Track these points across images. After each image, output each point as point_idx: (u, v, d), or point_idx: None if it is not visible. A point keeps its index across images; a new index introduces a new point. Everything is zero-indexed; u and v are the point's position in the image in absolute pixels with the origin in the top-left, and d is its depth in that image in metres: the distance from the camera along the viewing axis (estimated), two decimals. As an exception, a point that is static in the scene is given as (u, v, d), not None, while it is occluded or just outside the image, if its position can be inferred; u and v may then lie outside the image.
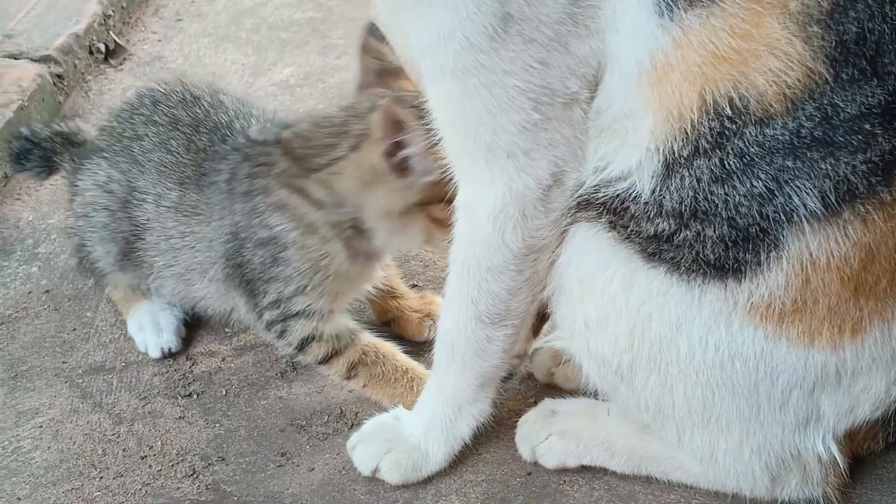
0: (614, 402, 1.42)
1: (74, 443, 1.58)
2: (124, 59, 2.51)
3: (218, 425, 1.60)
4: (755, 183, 1.18)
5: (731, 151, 1.18)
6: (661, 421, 1.36)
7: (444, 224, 1.43)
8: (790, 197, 1.18)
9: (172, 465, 1.54)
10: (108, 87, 2.41)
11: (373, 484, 1.49)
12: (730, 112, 1.17)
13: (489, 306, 1.36)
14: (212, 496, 1.49)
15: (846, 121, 1.16)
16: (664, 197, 1.22)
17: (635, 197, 1.23)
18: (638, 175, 1.23)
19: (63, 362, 1.72)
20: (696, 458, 1.38)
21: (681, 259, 1.24)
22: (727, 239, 1.21)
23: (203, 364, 1.71)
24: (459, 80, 1.21)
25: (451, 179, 1.34)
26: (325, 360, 1.58)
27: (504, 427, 1.54)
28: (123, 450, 1.57)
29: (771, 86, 1.15)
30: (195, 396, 1.65)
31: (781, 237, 1.19)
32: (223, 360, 1.72)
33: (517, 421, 1.53)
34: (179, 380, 1.68)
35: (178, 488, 1.51)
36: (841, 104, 1.16)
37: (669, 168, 1.20)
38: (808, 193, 1.17)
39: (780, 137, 1.17)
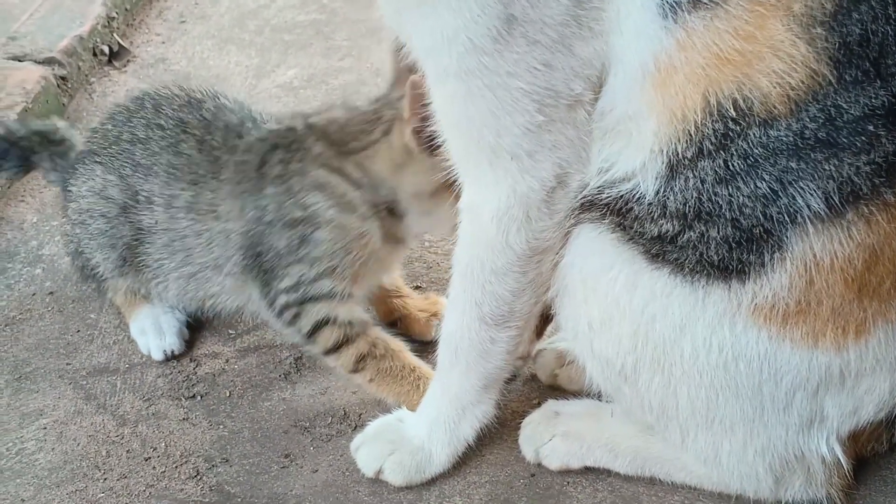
0: (618, 403, 1.42)
1: (78, 444, 1.58)
2: (128, 61, 2.52)
3: (221, 427, 1.60)
4: (759, 184, 1.18)
5: (734, 153, 1.18)
6: (664, 422, 1.36)
7: None
8: (794, 198, 1.18)
9: (176, 467, 1.54)
10: (111, 89, 2.41)
11: (376, 485, 1.49)
12: (734, 113, 1.17)
13: (493, 308, 1.36)
14: (215, 497, 1.49)
15: (850, 122, 1.16)
16: (668, 198, 1.22)
17: (639, 198, 1.24)
18: (642, 176, 1.23)
19: (67, 364, 1.72)
20: (699, 459, 1.38)
21: (685, 260, 1.24)
22: (731, 240, 1.21)
23: (207, 366, 1.71)
24: (463, 82, 1.21)
25: (455, 181, 1.34)
26: (335, 348, 1.58)
27: (508, 428, 1.54)
28: (127, 451, 1.57)
29: (775, 87, 1.15)
30: (199, 398, 1.65)
31: (785, 238, 1.19)
32: (227, 361, 1.72)
33: (521, 422, 1.53)
34: (183, 381, 1.68)
35: (182, 490, 1.51)
36: (844, 106, 1.16)
37: (673, 169, 1.21)
38: (811, 194, 1.17)
39: (784, 139, 1.17)
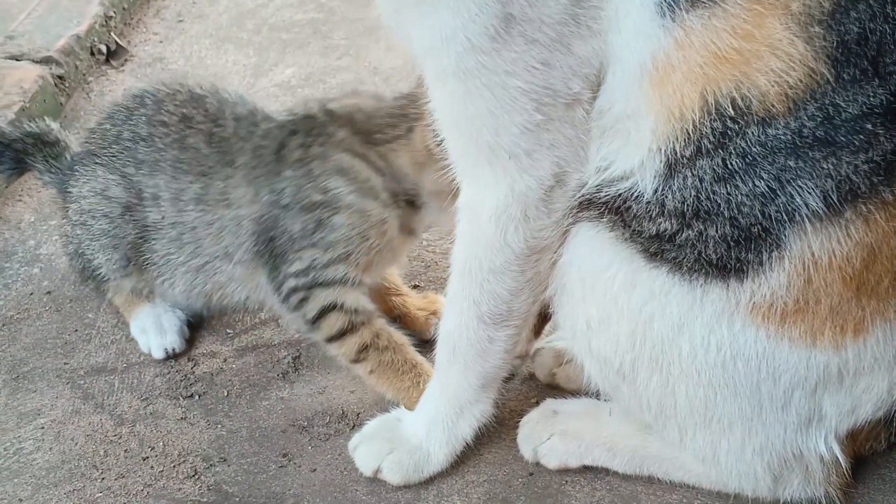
0: (616, 402, 1.42)
1: (76, 444, 1.58)
2: (126, 60, 2.51)
3: (219, 426, 1.60)
4: (757, 183, 1.18)
5: (733, 151, 1.18)
6: (663, 421, 1.36)
7: None
8: (792, 197, 1.18)
9: (174, 466, 1.54)
10: (109, 89, 2.41)
11: (374, 485, 1.49)
12: (732, 112, 1.17)
13: (491, 307, 1.36)
14: (213, 497, 1.49)
15: (848, 121, 1.16)
16: (666, 197, 1.22)
17: (637, 197, 1.24)
18: (640, 175, 1.23)
19: (65, 363, 1.72)
20: (698, 458, 1.38)
21: (683, 259, 1.24)
22: (729, 239, 1.21)
23: (204, 365, 1.71)
24: (461, 82, 1.21)
25: (454, 180, 1.34)
26: (339, 335, 1.58)
27: (506, 427, 1.54)
28: (125, 451, 1.57)
29: (773, 86, 1.15)
30: (197, 397, 1.65)
31: (783, 237, 1.19)
32: (224, 360, 1.72)
33: (519, 421, 1.53)
34: (181, 381, 1.68)
35: (180, 489, 1.51)
36: (843, 104, 1.16)
37: (672, 168, 1.21)
38: (810, 193, 1.17)
39: (783, 137, 1.17)
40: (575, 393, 1.55)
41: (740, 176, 1.19)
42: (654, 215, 1.23)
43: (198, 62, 2.50)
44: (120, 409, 1.64)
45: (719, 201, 1.20)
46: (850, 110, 1.16)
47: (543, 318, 1.52)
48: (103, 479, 1.53)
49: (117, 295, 1.76)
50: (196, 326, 1.77)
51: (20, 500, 1.50)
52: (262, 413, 1.62)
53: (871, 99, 1.16)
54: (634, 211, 1.24)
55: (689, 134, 1.18)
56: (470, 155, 1.29)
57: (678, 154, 1.20)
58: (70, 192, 1.73)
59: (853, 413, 1.31)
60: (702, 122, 1.18)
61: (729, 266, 1.22)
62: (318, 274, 1.57)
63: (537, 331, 1.61)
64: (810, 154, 1.17)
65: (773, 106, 1.16)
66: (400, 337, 1.60)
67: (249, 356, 1.72)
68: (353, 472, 1.51)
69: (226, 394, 1.66)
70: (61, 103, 2.31)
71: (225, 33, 2.61)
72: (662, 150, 1.20)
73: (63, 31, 2.42)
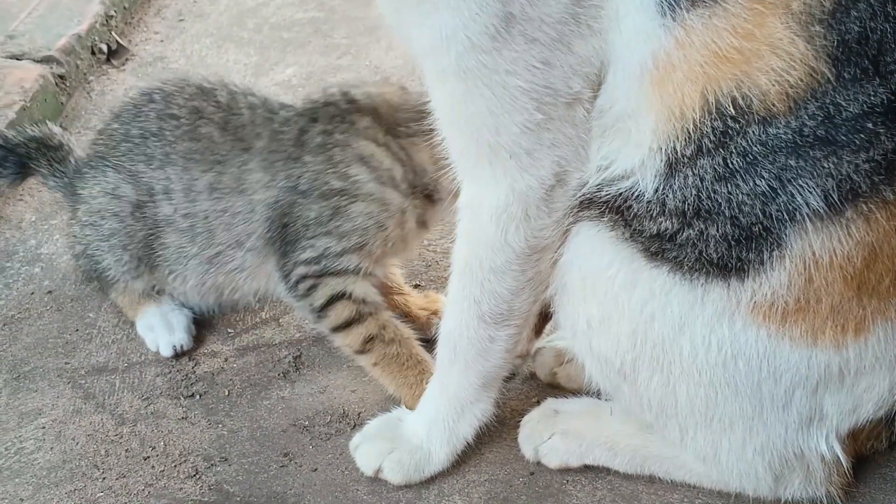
0: (617, 401, 1.42)
1: (77, 444, 1.58)
2: (126, 59, 2.51)
3: (220, 426, 1.60)
4: (758, 182, 1.18)
5: (734, 150, 1.18)
6: (663, 420, 1.36)
7: None
8: (793, 196, 1.18)
9: (175, 466, 1.54)
10: (110, 88, 2.41)
11: (375, 484, 1.49)
12: (732, 111, 1.17)
13: (492, 306, 1.36)
14: (214, 497, 1.49)
15: (848, 120, 1.16)
16: (667, 196, 1.22)
17: (638, 196, 1.24)
18: (641, 174, 1.23)
19: (66, 363, 1.72)
20: (699, 457, 1.38)
21: (683, 258, 1.24)
22: (730, 238, 1.21)
23: (205, 364, 1.71)
24: (462, 81, 1.21)
25: (455, 179, 1.34)
26: (346, 325, 1.58)
27: (507, 427, 1.54)
28: (126, 450, 1.57)
29: (773, 85, 1.15)
30: (198, 397, 1.65)
31: (784, 236, 1.19)
32: (226, 360, 1.72)
33: (520, 421, 1.53)
34: (182, 380, 1.68)
35: (181, 489, 1.51)
36: (843, 103, 1.16)
37: (672, 167, 1.20)
38: (810, 192, 1.17)
39: (783, 136, 1.17)
40: (576, 392, 1.55)
41: (741, 175, 1.19)
42: (654, 214, 1.23)
43: (199, 61, 2.50)
44: (121, 409, 1.64)
45: (720, 200, 1.20)
46: (851, 109, 1.16)
47: (544, 317, 1.52)
48: (104, 478, 1.53)
49: (123, 295, 1.76)
50: (197, 325, 1.77)
51: (21, 499, 1.50)
52: (263, 412, 1.62)
53: (872, 98, 1.16)
54: (635, 210, 1.24)
55: (689, 133, 1.18)
56: (470, 154, 1.28)
57: (679, 153, 1.20)
58: (80, 194, 1.73)
59: (854, 412, 1.31)
60: (702, 121, 1.17)
61: (730, 265, 1.22)
62: (330, 262, 1.57)
63: (538, 330, 1.61)
64: (811, 153, 1.17)
65: (773, 105, 1.16)
66: (406, 331, 1.60)
67: (250, 355, 1.72)
68: (354, 471, 1.51)
69: (227, 393, 1.66)
70: (62, 103, 2.30)
71: (226, 32, 2.61)
72: (663, 150, 1.20)
73: (64, 30, 2.42)
